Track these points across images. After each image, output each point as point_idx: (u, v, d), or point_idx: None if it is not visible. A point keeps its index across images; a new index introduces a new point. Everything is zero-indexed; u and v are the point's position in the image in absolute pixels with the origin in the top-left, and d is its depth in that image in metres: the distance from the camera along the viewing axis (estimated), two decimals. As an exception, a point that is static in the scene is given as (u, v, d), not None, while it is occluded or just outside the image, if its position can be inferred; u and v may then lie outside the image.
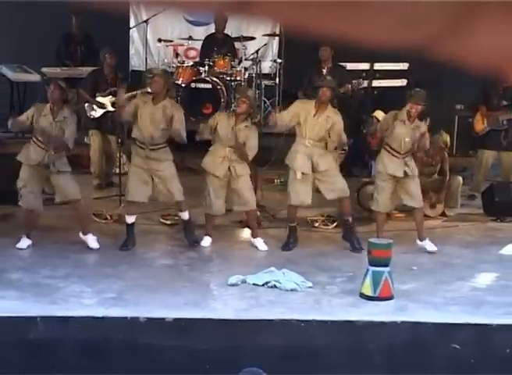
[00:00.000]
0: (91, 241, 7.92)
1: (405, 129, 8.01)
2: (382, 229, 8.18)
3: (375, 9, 0.89)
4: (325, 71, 9.87)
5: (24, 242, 7.87)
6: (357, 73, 10.46)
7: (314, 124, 7.92)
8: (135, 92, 9.31)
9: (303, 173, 7.93)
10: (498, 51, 0.95)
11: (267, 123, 8.58)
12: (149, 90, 9.24)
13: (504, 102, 9.84)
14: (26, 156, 7.82)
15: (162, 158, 7.88)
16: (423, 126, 8.16)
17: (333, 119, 7.95)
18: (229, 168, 7.96)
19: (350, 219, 8.12)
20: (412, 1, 0.89)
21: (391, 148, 8.07)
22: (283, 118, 8.13)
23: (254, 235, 8.18)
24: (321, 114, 7.93)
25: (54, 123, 7.72)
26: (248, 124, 8.00)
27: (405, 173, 8.01)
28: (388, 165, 8.06)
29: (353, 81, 9.67)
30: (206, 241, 8.11)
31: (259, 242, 8.11)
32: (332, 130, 7.94)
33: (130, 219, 7.97)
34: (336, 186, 7.99)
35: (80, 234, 7.96)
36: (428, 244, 8.12)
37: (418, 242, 8.16)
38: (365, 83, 10.25)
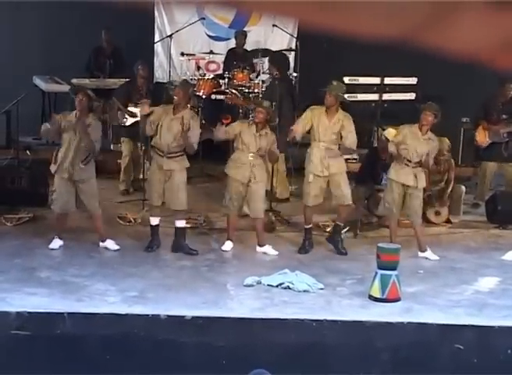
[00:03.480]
0: (111, 244, 7.90)
1: (417, 141, 7.99)
2: (395, 234, 8.11)
3: (361, 3, 0.88)
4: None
5: (56, 243, 7.87)
6: (369, 87, 10.44)
7: (326, 128, 7.89)
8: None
9: (316, 175, 7.89)
10: (480, 40, 0.93)
11: (288, 140, 8.49)
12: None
13: (504, 116, 9.82)
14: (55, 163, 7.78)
15: (176, 167, 7.76)
16: (435, 140, 8.13)
17: (343, 121, 7.90)
18: (250, 173, 7.89)
19: (342, 224, 8.02)
20: None
21: (403, 157, 8.04)
22: (299, 126, 8.05)
23: (259, 242, 8.00)
24: (332, 118, 7.90)
25: (78, 128, 7.66)
26: (268, 130, 8.00)
27: (412, 184, 7.95)
28: (399, 173, 8.03)
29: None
30: (227, 246, 8.02)
31: (268, 249, 7.99)
32: (343, 131, 7.88)
33: (154, 221, 7.94)
34: (339, 193, 7.94)
35: (100, 243, 7.92)
36: (429, 254, 8.07)
37: (420, 254, 8.09)
38: (372, 96, 10.26)
